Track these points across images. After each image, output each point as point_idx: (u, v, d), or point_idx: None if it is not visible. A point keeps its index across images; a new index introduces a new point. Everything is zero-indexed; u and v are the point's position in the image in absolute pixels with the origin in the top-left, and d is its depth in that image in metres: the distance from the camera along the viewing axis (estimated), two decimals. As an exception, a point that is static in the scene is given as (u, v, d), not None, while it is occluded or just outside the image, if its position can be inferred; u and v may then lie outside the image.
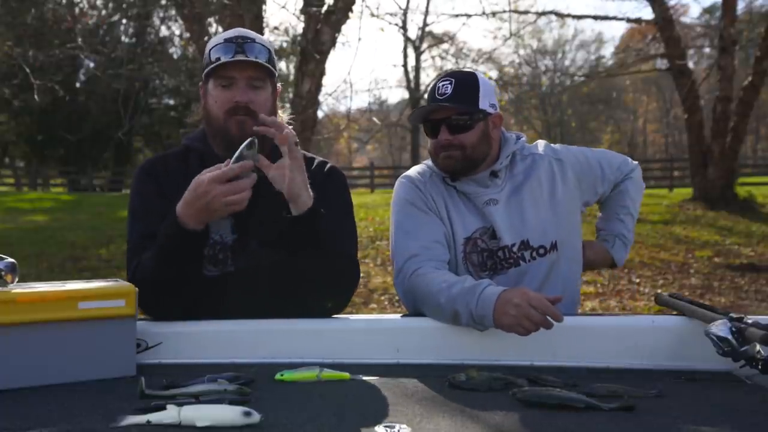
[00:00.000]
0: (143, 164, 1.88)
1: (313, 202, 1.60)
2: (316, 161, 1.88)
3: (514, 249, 1.89)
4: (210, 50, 1.75)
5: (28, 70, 9.56)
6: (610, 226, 2.13)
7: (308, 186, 1.62)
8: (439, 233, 1.87)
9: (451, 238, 1.90)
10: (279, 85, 1.85)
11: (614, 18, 14.99)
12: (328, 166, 1.87)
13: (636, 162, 2.16)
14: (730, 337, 1.37)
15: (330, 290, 1.71)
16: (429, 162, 2.00)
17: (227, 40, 1.73)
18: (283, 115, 1.91)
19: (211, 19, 8.93)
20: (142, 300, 1.49)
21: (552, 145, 2.07)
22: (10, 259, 1.41)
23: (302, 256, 1.64)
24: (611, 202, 2.13)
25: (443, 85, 1.88)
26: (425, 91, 30.98)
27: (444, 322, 1.68)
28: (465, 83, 1.88)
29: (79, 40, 9.72)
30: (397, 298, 5.71)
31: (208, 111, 1.77)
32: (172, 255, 1.62)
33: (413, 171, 2.02)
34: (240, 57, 1.70)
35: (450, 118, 1.87)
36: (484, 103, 1.88)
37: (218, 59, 1.71)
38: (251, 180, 1.55)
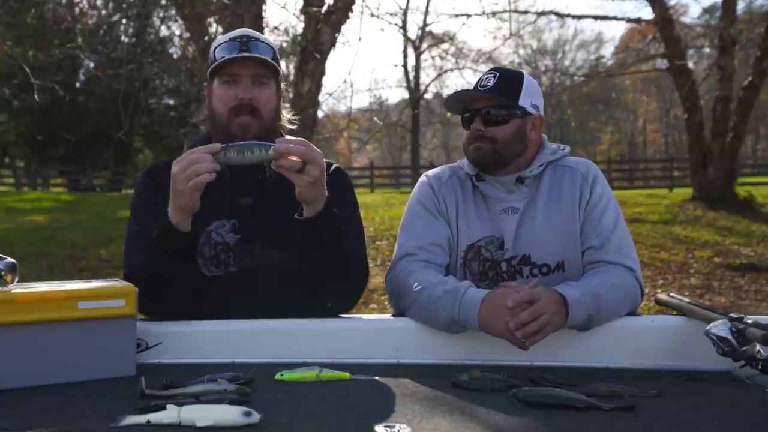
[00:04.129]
0: (147, 168, 1.88)
1: (323, 208, 1.57)
2: None
3: (514, 263, 1.82)
4: (215, 49, 1.76)
5: (28, 70, 9.54)
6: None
7: (323, 195, 1.57)
8: (442, 237, 1.85)
9: (455, 242, 1.87)
10: (283, 85, 1.85)
11: (614, 18, 15.02)
12: (333, 167, 1.86)
13: (641, 283, 1.76)
14: (730, 337, 1.38)
15: (339, 291, 1.73)
16: (458, 162, 1.98)
17: (232, 39, 1.74)
18: (288, 116, 1.91)
19: (211, 19, 8.92)
20: (140, 301, 1.49)
21: (597, 169, 1.87)
22: (10, 259, 1.41)
23: (313, 257, 1.64)
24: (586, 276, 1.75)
25: (486, 78, 1.85)
26: (425, 91, 31.18)
27: (423, 322, 1.67)
28: (508, 78, 1.84)
29: (79, 40, 9.69)
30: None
31: (213, 110, 1.77)
32: (161, 251, 1.62)
33: (434, 171, 2.00)
34: (244, 54, 1.71)
35: (486, 109, 1.83)
36: (525, 101, 1.83)
37: (223, 57, 1.72)
38: (206, 164, 1.48)
